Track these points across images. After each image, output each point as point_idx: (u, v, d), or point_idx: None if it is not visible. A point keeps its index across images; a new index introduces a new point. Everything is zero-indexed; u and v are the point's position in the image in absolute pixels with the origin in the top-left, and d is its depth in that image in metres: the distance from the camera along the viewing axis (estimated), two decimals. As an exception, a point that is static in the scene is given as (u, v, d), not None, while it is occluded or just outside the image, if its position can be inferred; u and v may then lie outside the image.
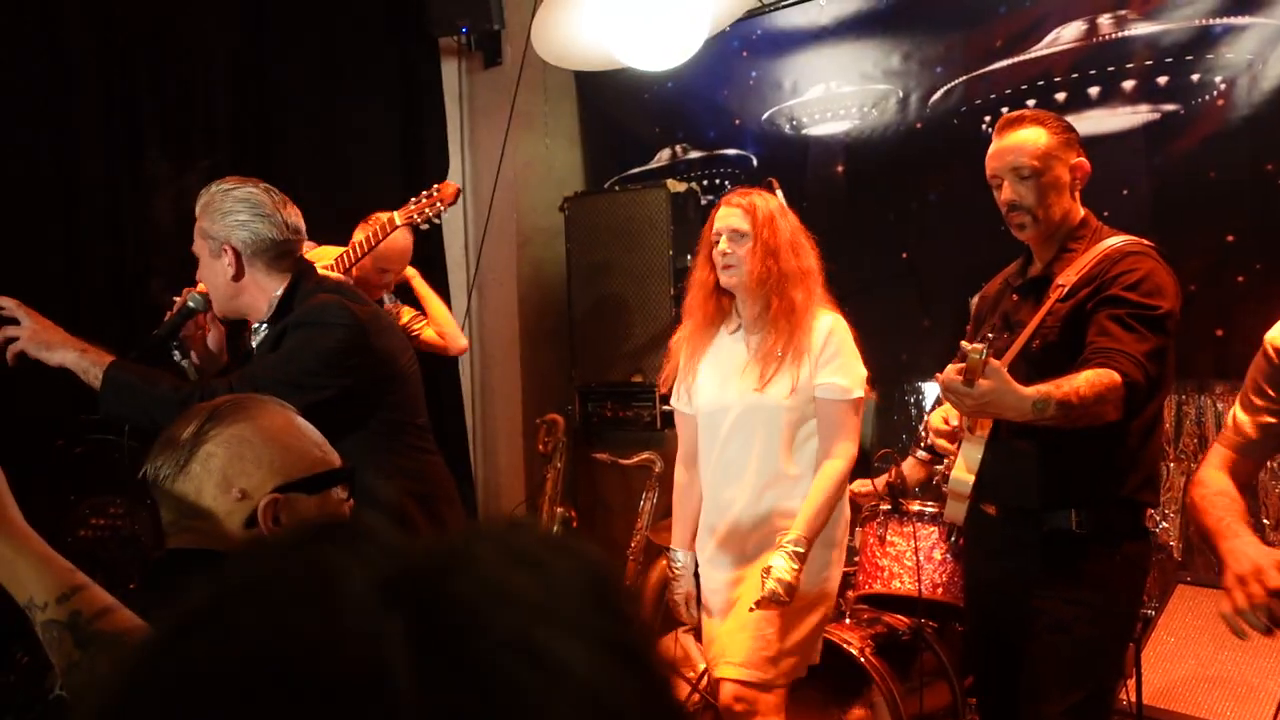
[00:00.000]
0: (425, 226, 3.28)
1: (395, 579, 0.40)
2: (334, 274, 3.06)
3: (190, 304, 2.34)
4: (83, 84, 3.54)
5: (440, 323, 3.79)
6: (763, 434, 2.51)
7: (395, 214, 3.21)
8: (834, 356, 2.50)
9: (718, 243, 2.58)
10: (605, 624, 0.42)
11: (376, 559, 0.42)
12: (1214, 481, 2.02)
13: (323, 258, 3.18)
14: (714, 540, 2.59)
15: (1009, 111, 2.42)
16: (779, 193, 2.73)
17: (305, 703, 0.36)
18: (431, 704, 0.37)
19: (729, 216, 2.59)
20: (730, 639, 2.48)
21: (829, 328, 2.51)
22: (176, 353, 2.42)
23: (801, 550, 2.35)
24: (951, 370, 1.99)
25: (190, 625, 0.41)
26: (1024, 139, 2.27)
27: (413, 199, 3.24)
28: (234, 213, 2.21)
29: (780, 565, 2.32)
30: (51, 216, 3.45)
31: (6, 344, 2.17)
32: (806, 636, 2.49)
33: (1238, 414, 2.02)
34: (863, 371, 2.54)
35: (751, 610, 2.36)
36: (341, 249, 3.28)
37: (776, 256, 2.52)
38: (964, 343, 2.01)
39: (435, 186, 3.24)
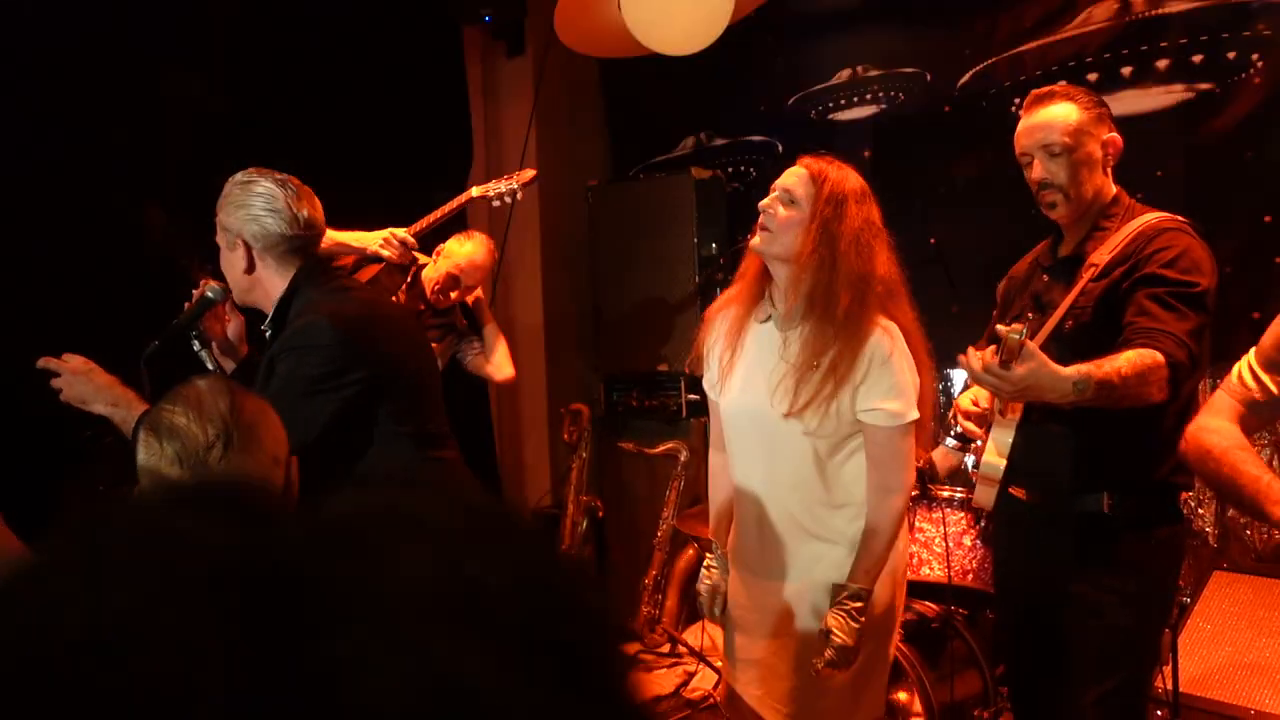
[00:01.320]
0: (497, 203, 3.54)
1: (247, 563, 0.35)
2: (397, 235, 3.22)
3: (209, 294, 2.35)
4: (103, 75, 3.55)
5: (492, 348, 3.79)
6: (789, 454, 2.19)
7: (473, 188, 3.48)
8: (881, 377, 2.10)
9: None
10: (519, 628, 0.36)
11: (235, 537, 0.37)
12: (1229, 432, 1.86)
13: (368, 240, 3.25)
14: (741, 554, 2.35)
15: (1060, 85, 2.36)
16: None
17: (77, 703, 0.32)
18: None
19: (789, 176, 2.20)
20: (778, 680, 2.25)
21: (875, 342, 2.11)
22: (196, 342, 2.43)
23: (861, 604, 2.09)
24: (989, 354, 1.94)
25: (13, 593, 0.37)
26: (1054, 115, 2.21)
27: (492, 181, 3.54)
28: (248, 206, 2.21)
29: (839, 627, 2.07)
30: (76, 208, 3.47)
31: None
32: (866, 685, 2.23)
33: (1255, 369, 1.89)
34: (914, 381, 2.15)
35: (816, 673, 2.09)
36: (373, 232, 3.37)
37: (834, 245, 2.11)
38: (1000, 326, 1.97)
39: (515, 173, 3.55)
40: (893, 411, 2.11)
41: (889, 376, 2.10)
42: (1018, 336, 1.87)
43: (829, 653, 2.06)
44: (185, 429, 1.36)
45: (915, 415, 2.14)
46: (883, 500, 2.15)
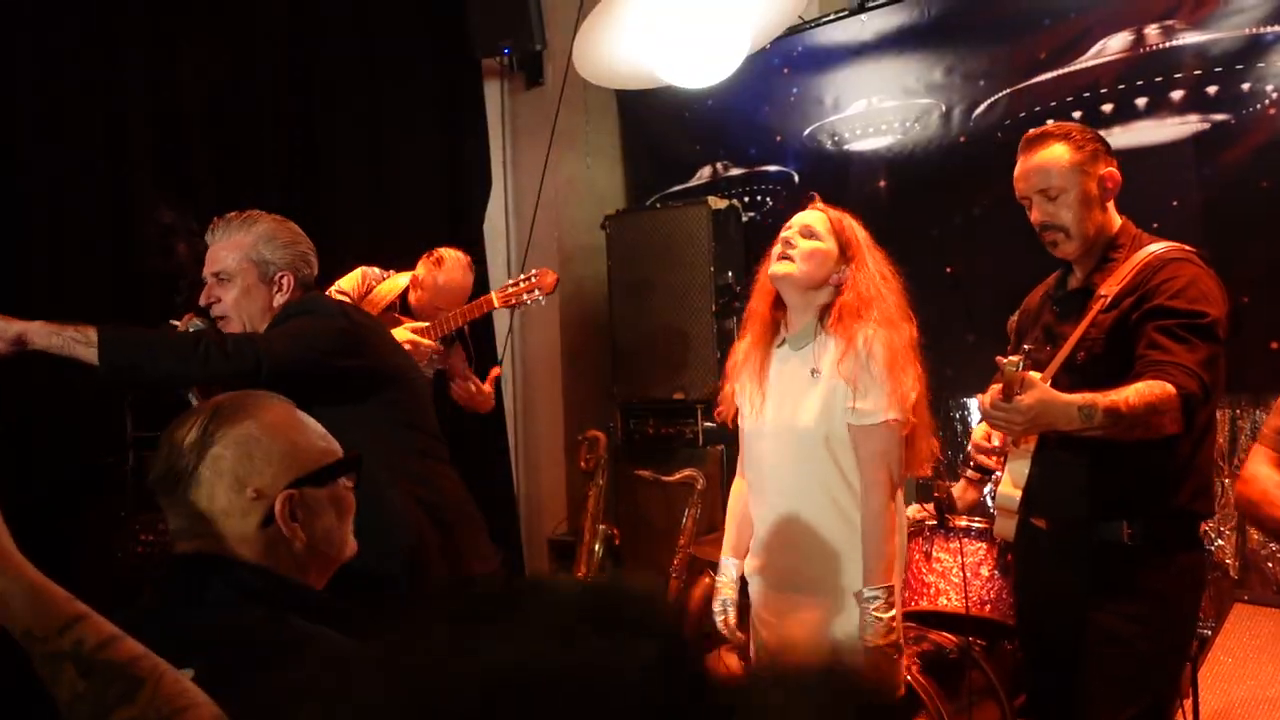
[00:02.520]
0: (520, 309, 3.58)
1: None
2: (423, 345, 3.30)
3: (192, 330, 2.29)
4: (132, 112, 3.61)
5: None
6: (814, 467, 2.32)
7: (494, 295, 3.51)
8: (861, 378, 2.26)
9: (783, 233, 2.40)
10: None
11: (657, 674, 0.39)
12: (1266, 476, 2.05)
13: (395, 288, 3.29)
14: (764, 570, 2.45)
15: (1053, 124, 2.39)
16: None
17: None
18: None
19: (808, 215, 2.42)
20: None
21: (860, 344, 2.27)
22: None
23: (881, 601, 2.21)
24: (993, 391, 1.97)
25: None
26: (1048, 157, 2.24)
27: (510, 281, 3.54)
28: (296, 245, 2.29)
29: (872, 628, 2.20)
30: (102, 244, 3.51)
31: None
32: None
33: None
34: (899, 389, 2.26)
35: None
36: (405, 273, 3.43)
37: (859, 277, 2.34)
38: (1000, 358, 1.99)
39: (534, 273, 3.52)
40: (867, 410, 2.26)
41: (867, 376, 2.26)
42: (1014, 369, 1.90)
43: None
44: (161, 456, 1.31)
45: (891, 415, 2.26)
46: (867, 498, 2.28)
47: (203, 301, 2.28)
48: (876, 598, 2.22)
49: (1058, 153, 2.23)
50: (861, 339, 2.27)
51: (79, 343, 1.99)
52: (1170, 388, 1.98)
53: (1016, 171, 2.31)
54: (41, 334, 2.00)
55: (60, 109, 3.41)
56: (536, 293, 3.50)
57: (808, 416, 2.32)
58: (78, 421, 3.28)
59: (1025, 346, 2.14)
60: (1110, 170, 2.25)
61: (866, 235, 2.44)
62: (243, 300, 2.26)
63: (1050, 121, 2.41)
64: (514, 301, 3.51)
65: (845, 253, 2.37)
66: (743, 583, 2.55)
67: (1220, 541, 3.40)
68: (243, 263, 2.26)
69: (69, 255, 3.42)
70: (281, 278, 2.26)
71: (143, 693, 0.95)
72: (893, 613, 2.22)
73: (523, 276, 3.55)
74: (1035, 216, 2.28)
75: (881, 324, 2.29)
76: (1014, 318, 2.61)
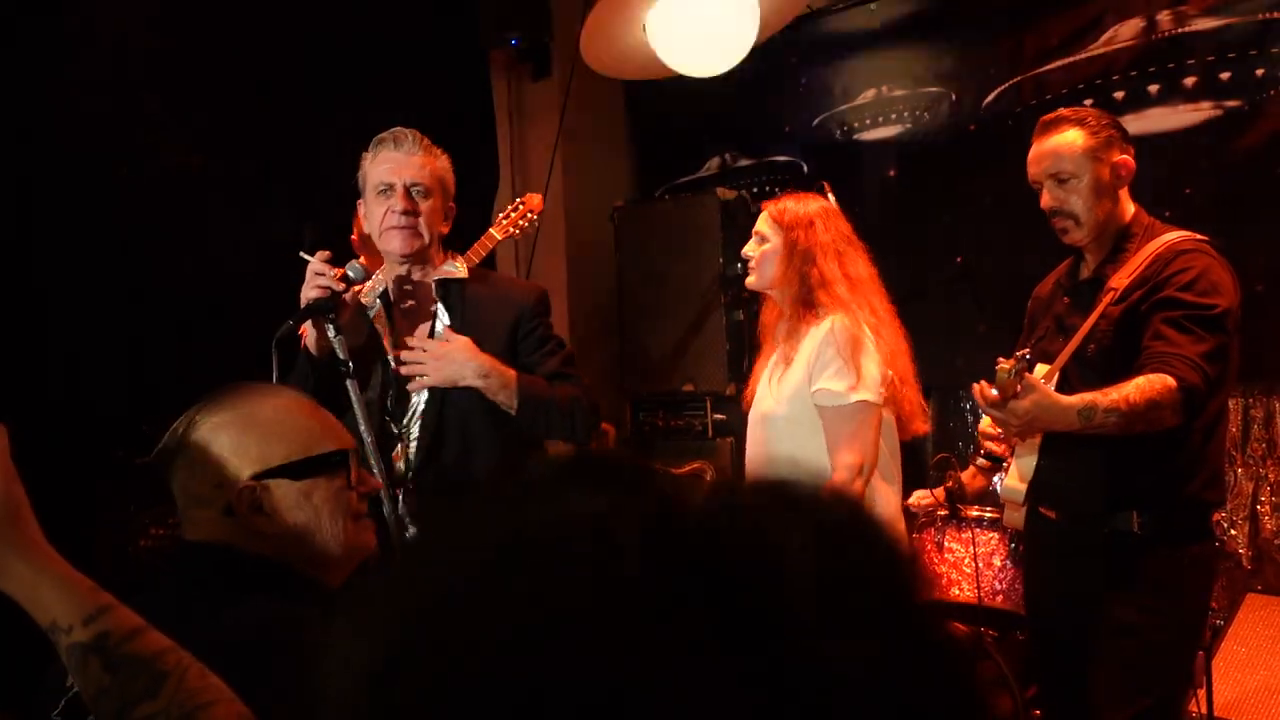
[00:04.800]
0: (520, 236, 3.61)
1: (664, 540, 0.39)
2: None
3: (350, 273, 2.26)
4: (144, 102, 3.62)
5: None
6: (786, 446, 2.40)
7: (493, 230, 3.50)
8: (831, 360, 2.32)
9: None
10: (902, 621, 0.40)
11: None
12: None
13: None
14: None
15: (1070, 109, 2.36)
16: (830, 196, 2.69)
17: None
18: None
19: (759, 221, 2.59)
20: None
21: (827, 329, 2.35)
22: (331, 327, 2.23)
23: None
24: (989, 391, 1.96)
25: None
26: (1061, 142, 2.22)
27: (501, 215, 3.52)
28: None
29: None
30: (121, 217, 3.52)
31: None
32: None
33: None
34: (869, 372, 2.32)
35: None
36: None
37: (811, 258, 2.44)
38: (1000, 360, 1.98)
39: (520, 200, 3.50)
40: (831, 391, 2.31)
41: (836, 358, 2.31)
42: (1006, 375, 1.88)
43: None
44: (159, 446, 1.35)
45: (862, 396, 2.30)
46: (832, 479, 2.30)
47: (402, 209, 2.40)
48: None
49: (1071, 137, 2.21)
50: (828, 324, 2.35)
51: (504, 388, 2.36)
52: (1171, 380, 1.97)
53: (1030, 155, 2.29)
54: (490, 385, 2.37)
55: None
56: (530, 214, 3.52)
57: (776, 401, 2.42)
58: (86, 415, 3.29)
59: (1021, 353, 2.12)
60: (1125, 158, 2.23)
61: (822, 211, 2.50)
62: (433, 217, 2.45)
63: (1063, 108, 2.39)
64: (513, 230, 3.53)
65: (796, 244, 2.46)
66: None
67: (1233, 531, 3.39)
68: (439, 194, 2.47)
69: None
70: (449, 210, 2.48)
71: (166, 687, 0.94)
72: None
73: (510, 207, 3.57)
74: (1045, 202, 2.25)
75: (838, 309, 2.38)
76: (1030, 304, 2.59)
